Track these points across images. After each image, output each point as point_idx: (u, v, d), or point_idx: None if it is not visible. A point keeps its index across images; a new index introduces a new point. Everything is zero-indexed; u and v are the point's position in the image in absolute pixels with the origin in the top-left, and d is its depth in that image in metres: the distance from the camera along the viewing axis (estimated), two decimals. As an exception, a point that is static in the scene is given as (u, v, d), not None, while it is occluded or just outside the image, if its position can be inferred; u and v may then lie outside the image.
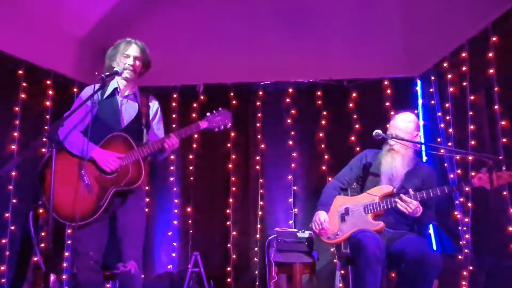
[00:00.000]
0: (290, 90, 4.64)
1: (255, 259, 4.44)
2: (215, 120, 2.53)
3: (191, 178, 4.63)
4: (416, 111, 4.36)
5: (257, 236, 4.47)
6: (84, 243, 2.44)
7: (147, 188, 2.68)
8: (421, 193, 2.67)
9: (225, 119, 2.55)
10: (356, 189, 3.05)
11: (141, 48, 2.59)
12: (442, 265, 2.51)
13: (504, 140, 3.19)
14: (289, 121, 4.61)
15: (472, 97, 3.52)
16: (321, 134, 4.53)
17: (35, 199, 3.92)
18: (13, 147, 3.71)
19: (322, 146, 4.51)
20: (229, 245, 4.48)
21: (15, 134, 3.74)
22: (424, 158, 4.18)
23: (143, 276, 2.63)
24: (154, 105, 2.68)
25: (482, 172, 2.52)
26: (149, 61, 2.64)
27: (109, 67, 2.57)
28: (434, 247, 3.98)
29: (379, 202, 2.82)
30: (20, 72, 3.79)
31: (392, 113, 3.97)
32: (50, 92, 4.07)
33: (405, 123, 2.92)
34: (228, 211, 4.55)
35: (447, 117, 3.82)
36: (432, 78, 4.11)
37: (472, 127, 3.50)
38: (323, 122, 4.54)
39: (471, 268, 3.45)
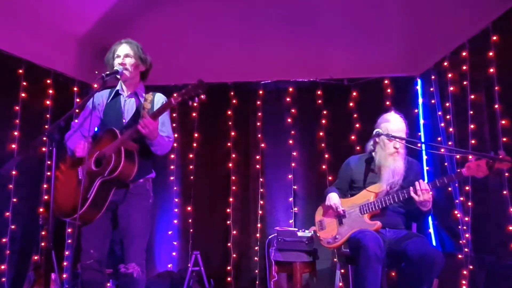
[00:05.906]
0: (291, 89, 4.65)
1: (255, 258, 4.45)
2: (187, 93, 2.33)
3: (191, 177, 4.63)
4: (416, 110, 4.36)
5: (257, 235, 4.48)
6: (85, 241, 2.44)
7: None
8: (434, 182, 2.61)
9: (197, 89, 2.32)
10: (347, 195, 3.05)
11: (131, 46, 2.55)
12: (444, 263, 2.51)
13: (504, 139, 3.18)
14: (289, 120, 4.61)
15: (472, 96, 3.52)
16: (321, 133, 4.53)
17: (36, 199, 3.95)
18: (13, 146, 3.72)
19: (323, 145, 4.51)
20: (229, 244, 4.49)
21: (15, 133, 3.75)
22: (425, 157, 4.18)
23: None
24: (159, 100, 2.62)
25: (470, 161, 2.51)
26: (145, 57, 2.59)
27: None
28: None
29: (374, 201, 2.81)
30: (20, 71, 3.80)
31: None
32: (50, 91, 4.08)
33: (401, 123, 2.90)
34: (228, 210, 4.55)
35: (448, 116, 3.82)
36: (433, 77, 4.10)
37: (472, 126, 3.50)
38: (323, 121, 4.54)
39: (471, 267, 3.45)
